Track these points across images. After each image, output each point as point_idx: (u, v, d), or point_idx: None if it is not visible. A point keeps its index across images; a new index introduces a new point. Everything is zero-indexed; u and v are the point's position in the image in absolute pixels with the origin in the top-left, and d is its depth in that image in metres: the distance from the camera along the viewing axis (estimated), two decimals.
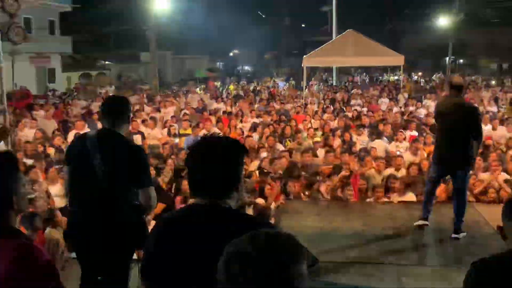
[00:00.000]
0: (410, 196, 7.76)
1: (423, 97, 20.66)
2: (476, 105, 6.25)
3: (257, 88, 27.95)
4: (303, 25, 58.84)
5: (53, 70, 33.42)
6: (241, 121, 13.75)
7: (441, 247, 6.04)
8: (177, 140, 11.61)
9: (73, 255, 4.79)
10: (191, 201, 2.20)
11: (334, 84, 28.23)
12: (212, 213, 2.04)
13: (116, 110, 3.86)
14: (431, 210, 6.40)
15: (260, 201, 6.88)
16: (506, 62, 50.53)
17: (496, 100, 19.30)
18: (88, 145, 3.67)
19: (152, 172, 7.76)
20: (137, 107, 16.32)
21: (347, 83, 30.80)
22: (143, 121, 12.54)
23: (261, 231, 1.42)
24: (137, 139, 10.99)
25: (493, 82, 32.15)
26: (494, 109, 16.60)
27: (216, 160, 2.07)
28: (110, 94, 17.85)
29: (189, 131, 11.57)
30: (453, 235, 6.04)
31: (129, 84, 32.45)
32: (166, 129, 12.51)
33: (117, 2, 35.38)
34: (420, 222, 6.29)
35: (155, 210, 4.96)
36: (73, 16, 35.68)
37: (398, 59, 22.73)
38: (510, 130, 11.90)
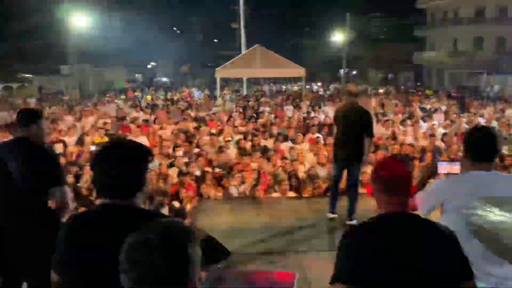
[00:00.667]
0: (308, 191, 7.98)
1: (322, 104, 21.29)
2: (367, 109, 6.54)
3: (174, 98, 27.61)
4: (215, 40, 59.02)
5: None
6: (161, 128, 13.50)
7: (339, 233, 6.15)
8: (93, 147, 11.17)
9: None
10: (98, 201, 2.15)
11: (245, 93, 28.45)
12: (116, 212, 2.03)
13: (27, 119, 3.74)
14: (336, 205, 6.59)
15: (176, 203, 6.80)
16: (390, 72, 53.31)
17: (382, 105, 20.28)
18: (2, 153, 3.56)
19: (71, 179, 7.51)
20: (57, 117, 15.72)
21: (256, 93, 31.15)
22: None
23: (158, 221, 1.48)
24: (59, 148, 10.63)
25: (381, 90, 33.73)
26: (380, 111, 17.52)
27: (120, 163, 2.04)
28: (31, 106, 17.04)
29: (105, 139, 11.14)
30: (348, 221, 6.30)
31: (50, 96, 31.06)
32: (85, 137, 12.04)
33: (37, 17, 33.80)
34: (331, 216, 6.55)
35: None
36: None
37: (299, 71, 23.40)
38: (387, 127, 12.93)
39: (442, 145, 10.96)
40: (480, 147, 2.94)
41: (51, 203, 3.61)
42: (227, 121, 15.04)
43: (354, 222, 6.25)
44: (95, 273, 1.93)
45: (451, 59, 43.09)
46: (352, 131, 6.27)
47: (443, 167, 3.36)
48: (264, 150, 9.89)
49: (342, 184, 6.80)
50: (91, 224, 2.07)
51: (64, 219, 3.95)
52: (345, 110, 6.49)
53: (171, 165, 8.65)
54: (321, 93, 33.44)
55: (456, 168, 3.25)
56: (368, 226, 2.32)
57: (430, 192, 3.08)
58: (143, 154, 2.13)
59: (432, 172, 3.46)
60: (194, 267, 1.44)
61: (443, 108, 19.34)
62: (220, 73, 23.50)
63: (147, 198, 6.43)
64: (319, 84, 44.10)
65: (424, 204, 3.01)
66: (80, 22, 26.53)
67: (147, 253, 1.37)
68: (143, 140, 10.81)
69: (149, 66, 60.38)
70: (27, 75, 40.90)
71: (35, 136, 3.70)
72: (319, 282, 4.81)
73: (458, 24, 43.22)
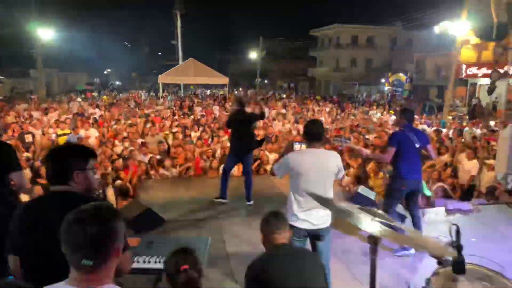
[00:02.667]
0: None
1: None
2: (252, 111, 6.37)
3: (127, 97, 26.52)
4: (159, 53, 57.35)
5: None
6: (116, 123, 12.89)
7: (245, 208, 6.17)
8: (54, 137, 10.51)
9: None
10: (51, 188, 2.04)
11: (182, 95, 27.90)
12: (60, 196, 1.97)
13: None
14: (226, 192, 6.29)
15: (118, 182, 6.54)
16: (292, 82, 54.48)
17: (285, 106, 20.71)
18: None
19: (38, 163, 6.98)
20: (27, 112, 14.65)
21: (191, 95, 30.63)
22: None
23: (90, 204, 1.47)
24: (28, 138, 9.95)
25: (284, 95, 34.38)
26: (283, 111, 17.87)
27: (57, 159, 2.02)
28: None
29: (67, 131, 10.48)
30: (247, 203, 6.15)
31: (21, 95, 28.76)
32: (50, 130, 11.27)
33: (9, 27, 31.01)
34: (218, 201, 6.21)
35: None
36: None
37: (224, 79, 23.33)
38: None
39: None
40: (312, 133, 3.33)
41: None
42: (167, 117, 14.69)
43: (251, 202, 6.15)
44: (44, 245, 1.82)
45: (334, 74, 44.80)
46: (242, 129, 6.07)
47: (296, 146, 3.70)
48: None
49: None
50: (40, 208, 1.97)
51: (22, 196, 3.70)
52: (236, 114, 6.20)
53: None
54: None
55: (303, 146, 3.59)
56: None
57: (283, 163, 3.36)
58: (73, 152, 2.06)
59: (290, 147, 3.73)
60: (118, 236, 1.44)
61: (327, 109, 20.12)
62: (162, 79, 23.02)
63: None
64: (240, 89, 44.16)
65: (279, 171, 3.38)
66: (48, 33, 24.96)
67: (80, 227, 1.37)
68: (93, 132, 10.34)
69: (105, 72, 57.48)
70: (0, 77, 37.62)
71: None
72: (231, 241, 4.87)
73: (339, 48, 44.92)
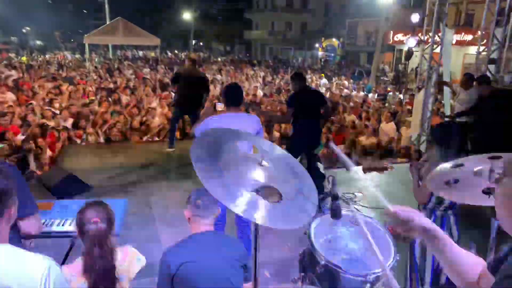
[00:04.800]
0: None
1: (174, 67, 20.79)
2: (205, 73, 7.11)
3: (50, 60, 24.54)
4: (84, 11, 53.07)
5: None
6: (38, 87, 11.95)
7: (173, 171, 6.26)
8: None
9: None
10: None
11: (110, 57, 26.42)
12: None
13: None
14: (174, 141, 6.87)
15: (37, 150, 6.21)
16: (228, 45, 53.67)
17: (220, 70, 20.50)
18: None
19: None
20: None
21: (120, 57, 29.14)
22: None
23: None
24: None
25: (219, 59, 33.94)
26: (218, 77, 17.72)
27: None
28: None
29: None
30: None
31: None
32: None
33: None
34: (168, 150, 6.78)
35: None
36: None
37: (155, 40, 22.34)
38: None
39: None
40: (229, 97, 3.45)
41: None
42: (93, 80, 13.94)
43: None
44: None
45: (270, 37, 44.79)
46: (191, 88, 6.48)
47: (219, 105, 3.82)
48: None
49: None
50: None
51: None
52: (186, 72, 6.69)
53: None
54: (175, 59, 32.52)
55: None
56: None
57: (202, 126, 3.36)
58: None
59: (213, 109, 3.84)
60: (9, 199, 1.39)
61: (262, 73, 20.27)
62: (89, 39, 21.46)
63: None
64: (175, 52, 42.71)
65: (198, 133, 3.34)
66: None
67: None
68: (10, 96, 9.56)
69: (24, 31, 52.23)
70: None
71: None
72: (158, 204, 4.91)
73: (275, 10, 44.73)
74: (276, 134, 7.87)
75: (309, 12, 44.49)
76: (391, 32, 25.24)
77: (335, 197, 1.83)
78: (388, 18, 22.33)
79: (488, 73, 7.64)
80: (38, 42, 49.04)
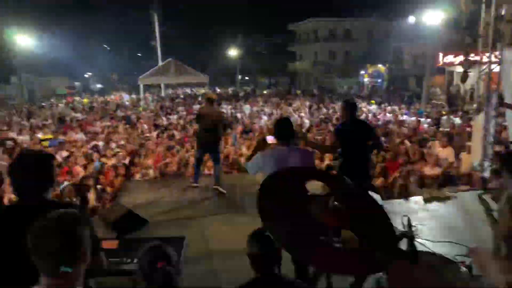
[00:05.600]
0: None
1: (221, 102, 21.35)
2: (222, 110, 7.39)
3: (108, 100, 26.20)
4: (138, 54, 56.60)
5: None
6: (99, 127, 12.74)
7: (227, 205, 6.24)
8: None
9: None
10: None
11: (163, 95, 27.70)
12: (34, 205, 1.91)
13: None
14: (198, 178, 6.84)
15: (99, 186, 6.50)
16: (272, 78, 54.56)
17: (265, 102, 20.77)
18: None
19: None
20: (7, 119, 14.37)
21: (172, 95, 30.45)
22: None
23: (54, 212, 1.46)
24: (9, 145, 9.75)
25: (265, 92, 34.45)
26: (266, 109, 17.94)
27: (28, 169, 1.93)
28: None
29: (50, 135, 10.34)
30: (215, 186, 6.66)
31: (1, 102, 28.20)
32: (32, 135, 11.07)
33: None
34: (194, 185, 6.76)
35: None
36: None
37: (204, 78, 23.25)
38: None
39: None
40: (280, 132, 3.37)
41: None
42: (149, 118, 14.59)
43: (220, 189, 6.58)
44: (14, 252, 1.77)
45: (314, 67, 45.05)
46: (210, 126, 6.50)
47: (270, 138, 3.73)
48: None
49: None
50: (10, 215, 1.94)
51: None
52: (205, 111, 6.69)
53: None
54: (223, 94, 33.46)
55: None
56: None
57: (254, 161, 3.39)
58: (47, 161, 2.00)
59: (263, 142, 3.75)
60: (82, 242, 1.46)
61: (307, 103, 20.25)
62: (143, 80, 22.80)
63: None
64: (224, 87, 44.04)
65: (251, 169, 3.39)
66: (26, 39, 24.60)
67: (45, 235, 1.40)
68: (80, 136, 10.18)
69: (86, 76, 56.65)
70: None
71: None
72: (213, 239, 4.88)
73: (317, 41, 45.15)
74: (326, 163, 7.70)
75: (352, 40, 44.50)
76: (441, 54, 24.48)
77: (412, 239, 1.68)
78: (437, 40, 21.71)
79: None
80: (98, 85, 52.67)
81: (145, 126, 12.30)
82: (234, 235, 4.79)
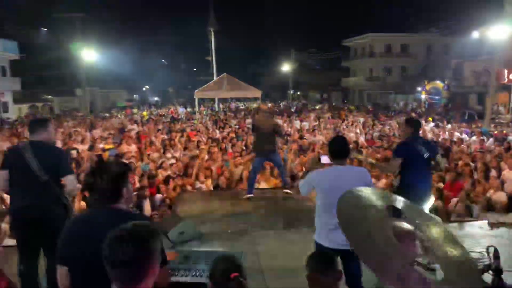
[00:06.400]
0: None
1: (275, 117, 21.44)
2: (279, 120, 7.66)
3: (162, 113, 27.34)
4: (194, 69, 58.71)
5: (6, 103, 30.99)
6: (155, 137, 13.29)
7: (280, 220, 6.19)
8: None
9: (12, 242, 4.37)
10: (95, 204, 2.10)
11: (216, 109, 28.39)
12: (106, 213, 2.01)
13: (35, 125, 3.70)
14: (253, 188, 7.02)
15: (158, 195, 6.72)
16: (325, 93, 54.10)
17: (318, 118, 20.57)
18: (22, 151, 3.47)
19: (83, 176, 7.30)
20: (73, 129, 15.31)
21: (225, 109, 31.14)
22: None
23: (132, 222, 1.53)
24: (73, 154, 10.35)
25: (317, 107, 34.20)
26: (316, 123, 17.80)
27: (105, 179, 2.01)
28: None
29: (111, 146, 10.91)
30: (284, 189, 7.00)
31: (67, 112, 30.45)
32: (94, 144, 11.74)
33: (56, 52, 33.25)
34: (247, 196, 6.89)
35: None
36: (20, 63, 32.86)
37: (257, 92, 23.51)
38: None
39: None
40: (335, 150, 3.29)
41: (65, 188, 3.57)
42: (203, 131, 14.98)
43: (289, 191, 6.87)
44: (90, 259, 1.85)
45: (368, 83, 44.12)
46: (266, 134, 6.75)
47: (324, 158, 3.63)
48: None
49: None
50: (89, 223, 2.04)
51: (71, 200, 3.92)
52: (260, 121, 6.96)
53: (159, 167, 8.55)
54: (274, 108, 33.67)
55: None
56: None
57: (307, 180, 3.33)
58: (123, 170, 2.10)
59: (316, 161, 3.68)
60: (154, 255, 1.51)
61: (361, 119, 19.78)
62: (198, 94, 23.46)
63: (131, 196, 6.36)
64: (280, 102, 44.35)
65: (303, 188, 3.33)
66: (90, 54, 26.58)
67: (119, 245, 1.45)
68: (132, 148, 10.62)
69: (144, 89, 59.58)
70: (49, 96, 40.01)
71: (46, 139, 3.65)
72: (265, 255, 4.85)
73: (372, 57, 44.27)
74: (383, 182, 7.44)
75: (409, 55, 43.17)
76: (506, 70, 23.04)
77: (499, 273, 1.55)
78: (501, 55, 20.45)
79: None
80: (156, 98, 55.18)
81: (200, 139, 12.62)
82: (286, 252, 4.76)
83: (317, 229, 3.24)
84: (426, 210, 4.76)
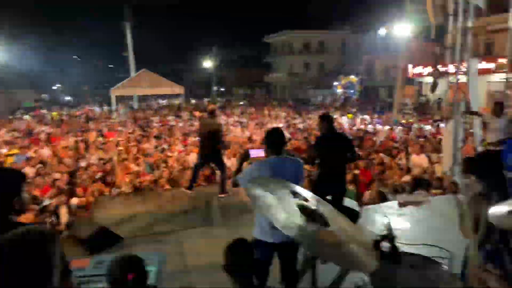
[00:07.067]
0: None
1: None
2: (221, 121, 7.73)
3: (76, 113, 25.55)
4: (110, 66, 55.80)
5: None
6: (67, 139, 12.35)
7: (203, 218, 6.13)
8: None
9: None
10: None
11: (136, 108, 27.29)
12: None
13: None
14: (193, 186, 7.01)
15: (74, 200, 6.29)
16: (248, 89, 54.70)
17: (242, 113, 20.80)
18: None
19: None
20: None
21: (146, 107, 30.03)
22: None
23: (19, 230, 1.39)
24: None
25: (241, 103, 34.49)
26: (242, 119, 17.99)
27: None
28: None
29: (15, 151, 9.95)
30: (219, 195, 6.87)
31: None
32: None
33: None
34: (187, 191, 6.92)
35: None
36: None
37: (179, 89, 23.10)
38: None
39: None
40: (271, 141, 3.23)
41: None
42: (121, 130, 14.31)
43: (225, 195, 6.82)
44: None
45: (289, 79, 45.55)
46: (210, 136, 6.75)
47: (253, 152, 3.62)
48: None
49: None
50: None
51: None
52: (205, 122, 7.03)
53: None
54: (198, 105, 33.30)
55: (261, 153, 3.48)
56: None
57: (246, 172, 3.28)
58: (17, 178, 1.91)
59: (246, 156, 3.67)
60: (53, 260, 1.38)
61: (284, 114, 20.40)
62: (115, 91, 22.44)
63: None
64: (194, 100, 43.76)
65: (243, 180, 3.21)
66: None
67: (9, 253, 1.32)
68: (45, 151, 9.83)
69: (54, 88, 55.17)
70: None
71: None
72: (191, 254, 4.79)
73: (292, 54, 45.75)
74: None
75: (326, 52, 45.38)
76: (410, 65, 25.25)
77: (393, 240, 1.70)
78: (406, 51, 22.39)
79: None
80: (68, 98, 51.48)
81: (119, 139, 12.04)
82: (212, 249, 4.72)
83: (258, 225, 3.12)
84: (343, 199, 5.08)
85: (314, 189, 5.10)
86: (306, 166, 7.76)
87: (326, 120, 4.97)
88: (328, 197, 5.07)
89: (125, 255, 1.97)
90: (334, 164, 4.81)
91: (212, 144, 6.77)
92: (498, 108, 6.34)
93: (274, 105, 30.35)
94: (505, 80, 8.05)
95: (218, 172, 7.46)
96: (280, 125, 15.29)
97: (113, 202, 7.00)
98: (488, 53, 21.36)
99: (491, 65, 19.07)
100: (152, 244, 5.05)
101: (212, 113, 7.02)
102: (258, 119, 18.16)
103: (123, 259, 1.93)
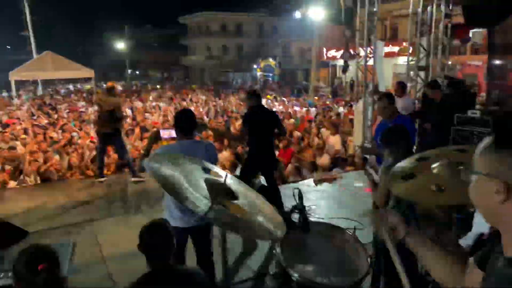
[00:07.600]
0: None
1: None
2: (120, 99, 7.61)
3: None
4: (7, 47, 50.19)
5: None
6: None
7: (119, 206, 5.95)
8: None
9: None
10: None
11: (40, 93, 25.04)
12: None
13: None
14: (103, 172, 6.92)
15: None
16: (165, 72, 53.17)
17: (159, 97, 20.17)
18: None
19: None
20: None
21: (52, 92, 27.70)
22: None
23: None
24: None
25: (158, 86, 33.40)
26: (160, 104, 17.43)
27: None
28: None
29: None
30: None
31: None
32: None
33: None
34: (100, 179, 6.74)
35: None
36: None
37: (89, 72, 21.61)
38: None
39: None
40: (181, 124, 3.15)
41: None
42: (24, 119, 13.07)
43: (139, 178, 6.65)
44: None
45: (207, 61, 45.08)
46: (108, 115, 6.55)
47: (164, 133, 3.55)
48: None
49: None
50: None
51: None
52: (104, 99, 6.79)
53: None
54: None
55: (173, 132, 3.41)
56: None
57: (151, 158, 3.17)
58: None
59: (156, 137, 3.61)
60: None
61: (203, 97, 20.22)
62: (14, 75, 20.26)
63: None
64: (108, 83, 41.24)
65: (148, 166, 3.09)
66: None
67: None
68: None
69: None
70: None
71: None
72: (107, 243, 4.60)
73: (209, 35, 45.22)
74: (226, 153, 7.78)
75: (244, 35, 45.60)
76: (324, 49, 26.46)
77: (303, 210, 1.79)
78: (320, 35, 23.40)
79: (418, 79, 8.20)
80: None
81: (19, 127, 10.99)
82: (128, 236, 4.57)
83: (168, 209, 3.06)
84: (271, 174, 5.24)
85: (246, 164, 5.21)
86: (239, 147, 7.88)
87: (255, 95, 5.11)
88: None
89: (33, 245, 1.82)
90: (263, 137, 4.96)
91: (111, 122, 6.58)
92: (399, 88, 6.91)
93: (193, 88, 29.91)
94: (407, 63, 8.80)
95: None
96: (200, 109, 15.15)
97: (18, 194, 6.43)
98: (394, 37, 23.19)
99: (396, 48, 20.75)
100: (65, 236, 4.74)
101: (110, 90, 6.81)
102: (175, 103, 17.76)
103: (32, 248, 1.77)
